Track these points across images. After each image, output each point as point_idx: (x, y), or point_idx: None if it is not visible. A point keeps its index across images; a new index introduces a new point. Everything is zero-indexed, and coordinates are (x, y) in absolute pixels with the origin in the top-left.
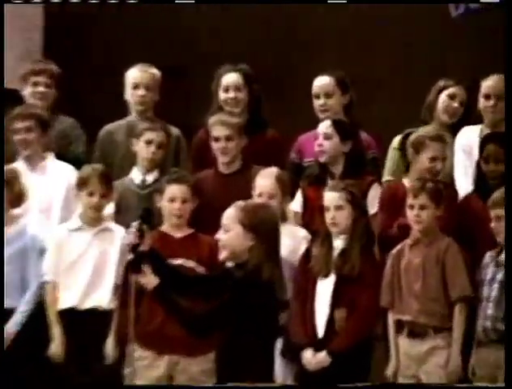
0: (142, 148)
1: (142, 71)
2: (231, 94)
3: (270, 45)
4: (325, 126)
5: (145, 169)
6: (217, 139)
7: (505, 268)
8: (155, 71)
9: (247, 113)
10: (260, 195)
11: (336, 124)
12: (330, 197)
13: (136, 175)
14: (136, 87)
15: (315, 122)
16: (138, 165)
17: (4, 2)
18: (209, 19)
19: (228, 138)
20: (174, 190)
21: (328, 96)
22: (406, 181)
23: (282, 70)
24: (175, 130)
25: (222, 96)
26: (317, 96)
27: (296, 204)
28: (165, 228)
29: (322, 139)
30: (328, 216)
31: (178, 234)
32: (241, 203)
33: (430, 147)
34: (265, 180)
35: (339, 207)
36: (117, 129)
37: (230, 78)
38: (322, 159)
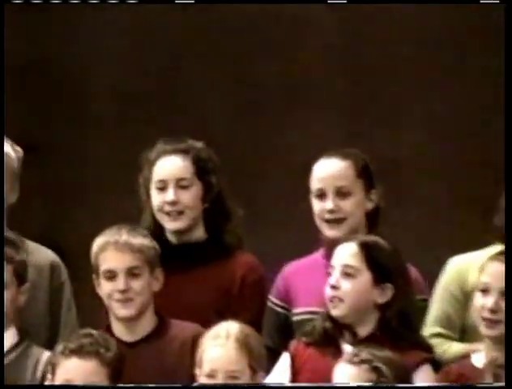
0: None
1: None
2: (169, 195)
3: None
4: (346, 254)
5: None
6: (110, 276)
7: (505, 268)
8: (8, 149)
9: (202, 227)
10: (211, 376)
11: (368, 250)
12: (347, 374)
13: None
14: None
15: (315, 243)
16: None
17: (4, 2)
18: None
19: (131, 273)
20: (74, 368)
21: (342, 194)
22: (478, 360)
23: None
24: (51, 256)
25: (156, 198)
26: (321, 195)
27: (278, 378)
28: None
29: (340, 277)
30: None
31: None
32: None
33: None
34: (218, 348)
35: None
36: None
37: (168, 165)
38: (337, 312)
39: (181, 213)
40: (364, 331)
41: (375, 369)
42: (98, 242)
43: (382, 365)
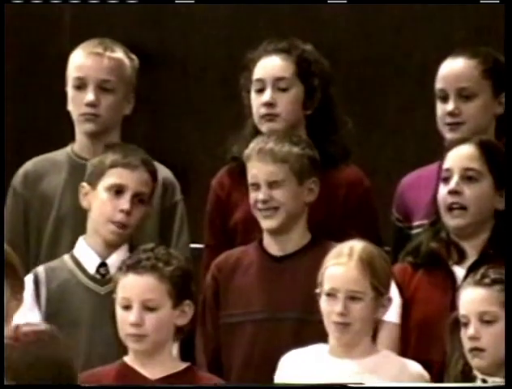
0: (105, 203)
1: (94, 54)
2: (265, 96)
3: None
4: (466, 156)
5: (105, 245)
6: (253, 185)
7: (505, 268)
8: (122, 56)
9: (305, 134)
10: (331, 295)
11: (488, 151)
12: (479, 298)
13: (87, 256)
14: (81, 85)
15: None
16: (88, 236)
17: (4, 2)
18: None
19: (272, 185)
20: (130, 284)
21: (465, 96)
22: None
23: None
24: (163, 172)
25: (254, 100)
26: (444, 96)
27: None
28: (130, 360)
29: (461, 182)
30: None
31: (155, 374)
32: None
33: None
34: (340, 266)
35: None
36: (50, 168)
37: (266, 64)
38: (459, 221)
39: (277, 116)
40: (472, 247)
41: None
42: (246, 150)
43: None
